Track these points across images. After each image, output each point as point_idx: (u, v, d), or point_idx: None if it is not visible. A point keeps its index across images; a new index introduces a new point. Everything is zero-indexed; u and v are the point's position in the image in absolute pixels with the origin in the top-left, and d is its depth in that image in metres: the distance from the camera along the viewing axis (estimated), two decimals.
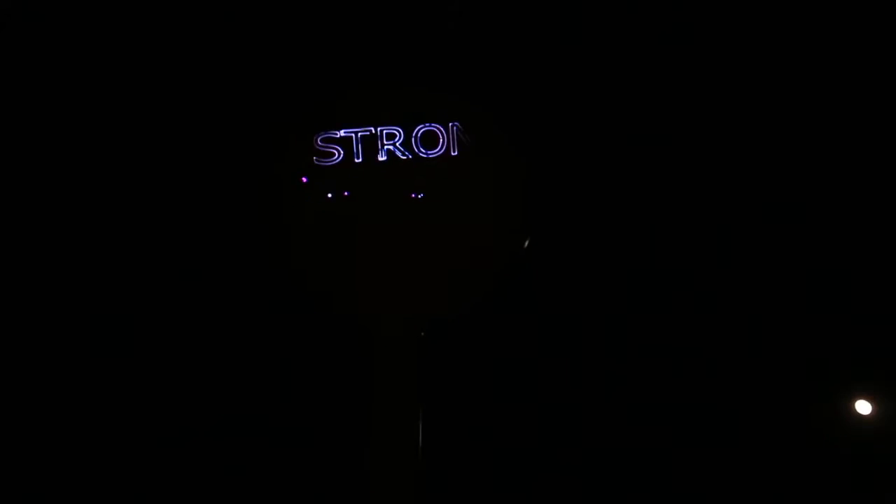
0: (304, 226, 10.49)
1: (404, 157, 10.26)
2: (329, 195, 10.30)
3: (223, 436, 10.89)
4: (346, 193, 10.31)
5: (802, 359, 11.14)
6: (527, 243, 10.64)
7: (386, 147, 10.34)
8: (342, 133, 10.43)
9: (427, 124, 10.28)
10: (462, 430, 10.78)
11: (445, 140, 10.26)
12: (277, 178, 10.52)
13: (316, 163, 10.33)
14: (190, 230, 11.20)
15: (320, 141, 10.39)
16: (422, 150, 10.26)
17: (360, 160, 10.31)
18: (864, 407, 10.95)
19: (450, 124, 10.23)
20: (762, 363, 11.24)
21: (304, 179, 10.36)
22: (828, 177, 11.30)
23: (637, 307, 11.27)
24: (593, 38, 11.32)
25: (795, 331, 11.26)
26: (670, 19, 11.25)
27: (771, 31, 11.28)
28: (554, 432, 11.08)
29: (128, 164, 11.27)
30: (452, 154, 10.21)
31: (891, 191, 11.26)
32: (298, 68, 11.13)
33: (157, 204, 11.26)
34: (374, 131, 10.36)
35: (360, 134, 10.38)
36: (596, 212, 11.33)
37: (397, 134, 10.31)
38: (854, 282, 11.21)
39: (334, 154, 10.39)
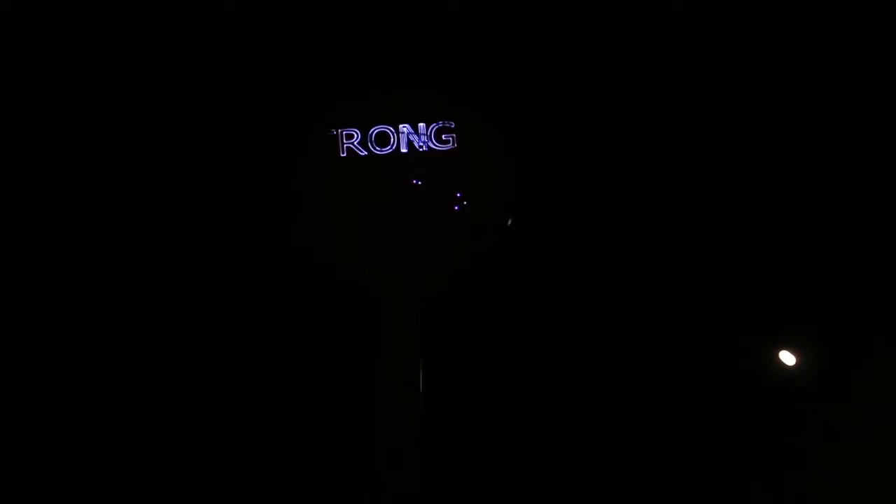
0: (327, 208, 11.50)
1: (363, 154, 11.39)
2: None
3: (220, 418, 11.60)
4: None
5: (730, 309, 12.24)
6: (510, 222, 11.71)
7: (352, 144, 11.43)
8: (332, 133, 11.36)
9: (380, 125, 11.34)
10: (461, 387, 11.77)
11: (396, 139, 11.38)
12: (301, 169, 11.44)
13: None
14: (191, 223, 11.83)
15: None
16: (376, 147, 11.35)
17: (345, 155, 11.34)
18: (788, 358, 12.16)
19: (399, 126, 11.29)
20: (690, 313, 12.25)
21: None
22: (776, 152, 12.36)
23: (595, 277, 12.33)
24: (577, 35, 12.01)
25: (724, 283, 12.34)
26: (667, 19, 11.91)
27: (766, 32, 12.03)
28: (549, 392, 12.10)
29: (120, 162, 11.74)
30: (403, 151, 11.33)
31: (809, 156, 12.38)
32: (294, 68, 11.79)
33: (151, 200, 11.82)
34: (334, 132, 11.36)
35: (344, 132, 11.33)
36: (576, 196, 12.22)
37: (355, 134, 11.32)
38: (789, 238, 12.24)
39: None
